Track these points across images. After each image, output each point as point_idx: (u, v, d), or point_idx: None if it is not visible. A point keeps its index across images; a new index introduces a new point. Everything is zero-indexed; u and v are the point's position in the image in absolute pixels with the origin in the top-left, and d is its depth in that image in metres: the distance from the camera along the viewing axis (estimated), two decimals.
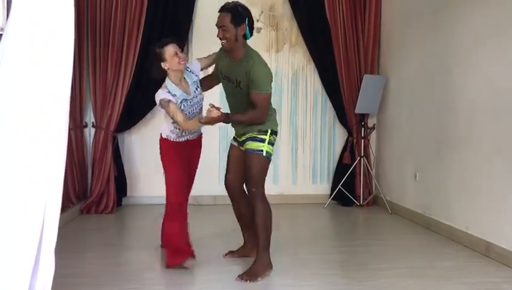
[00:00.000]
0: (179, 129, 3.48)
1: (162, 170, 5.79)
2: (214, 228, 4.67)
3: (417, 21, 5.06)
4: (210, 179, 5.58)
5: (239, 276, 3.29)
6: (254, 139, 3.36)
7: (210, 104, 3.28)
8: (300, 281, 3.32)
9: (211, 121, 3.25)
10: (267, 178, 6.10)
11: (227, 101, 3.57)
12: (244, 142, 3.43)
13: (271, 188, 5.99)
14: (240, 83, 3.32)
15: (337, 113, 5.92)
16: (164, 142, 3.58)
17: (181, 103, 3.40)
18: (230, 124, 3.53)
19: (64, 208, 4.84)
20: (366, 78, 5.60)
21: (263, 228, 3.33)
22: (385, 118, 5.86)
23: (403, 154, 5.39)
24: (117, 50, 5.34)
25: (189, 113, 3.43)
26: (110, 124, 5.39)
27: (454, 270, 3.53)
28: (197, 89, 3.52)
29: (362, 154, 5.78)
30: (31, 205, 1.68)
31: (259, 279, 3.27)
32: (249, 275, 3.27)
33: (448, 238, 4.32)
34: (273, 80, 3.37)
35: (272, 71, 3.39)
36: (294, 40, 6.00)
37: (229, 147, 3.70)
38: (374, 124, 5.99)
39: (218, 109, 3.24)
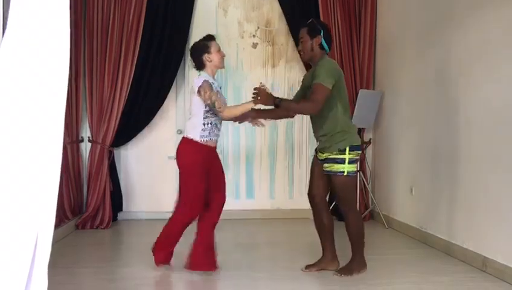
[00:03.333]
0: (211, 124, 3.48)
1: (158, 185, 5.74)
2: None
3: (412, 36, 5.11)
4: None
5: (337, 271, 3.62)
6: (334, 161, 3.48)
7: (260, 83, 3.56)
8: None
9: (263, 98, 3.40)
10: (263, 192, 6.08)
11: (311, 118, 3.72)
12: (324, 161, 3.56)
13: (268, 203, 6.01)
14: (311, 84, 3.50)
15: None
16: (190, 146, 3.49)
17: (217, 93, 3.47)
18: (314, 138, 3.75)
19: (59, 223, 4.83)
20: (362, 93, 5.63)
21: (357, 236, 3.63)
22: (381, 133, 5.89)
23: (399, 169, 5.40)
24: (114, 64, 5.36)
25: None
26: (106, 138, 5.39)
27: (450, 285, 3.52)
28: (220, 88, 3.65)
29: (358, 169, 5.79)
30: (24, 219, 1.67)
31: (354, 274, 3.58)
32: (346, 271, 3.59)
33: (445, 252, 4.32)
34: (336, 78, 3.46)
35: (336, 69, 3.53)
36: (290, 56, 6.05)
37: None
38: (370, 139, 6.01)
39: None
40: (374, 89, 5.97)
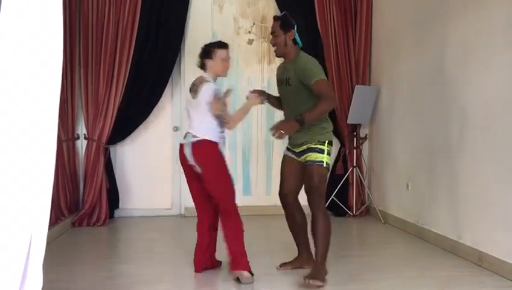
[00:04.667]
0: (220, 126, 3.43)
1: (154, 182, 5.72)
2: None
3: (408, 32, 5.12)
4: None
5: (306, 277, 3.25)
6: (314, 150, 3.41)
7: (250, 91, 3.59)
8: None
9: (288, 128, 3.31)
10: (260, 188, 6.10)
11: (284, 110, 3.67)
12: (303, 153, 3.48)
13: (264, 199, 6.01)
14: (288, 80, 3.47)
15: None
16: (213, 147, 3.40)
17: None
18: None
19: (55, 221, 4.82)
20: (358, 88, 5.64)
21: (323, 237, 3.36)
22: (377, 128, 5.90)
23: (395, 164, 5.42)
24: (109, 61, 5.34)
25: None
26: (102, 136, 5.38)
27: (447, 280, 3.54)
28: None
29: (355, 165, 5.80)
30: (18, 218, 1.66)
31: (322, 279, 3.27)
32: (315, 275, 3.26)
33: (441, 247, 4.34)
34: (323, 72, 3.43)
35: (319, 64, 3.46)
36: None
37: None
38: (366, 134, 6.02)
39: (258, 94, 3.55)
40: (370, 84, 5.97)
